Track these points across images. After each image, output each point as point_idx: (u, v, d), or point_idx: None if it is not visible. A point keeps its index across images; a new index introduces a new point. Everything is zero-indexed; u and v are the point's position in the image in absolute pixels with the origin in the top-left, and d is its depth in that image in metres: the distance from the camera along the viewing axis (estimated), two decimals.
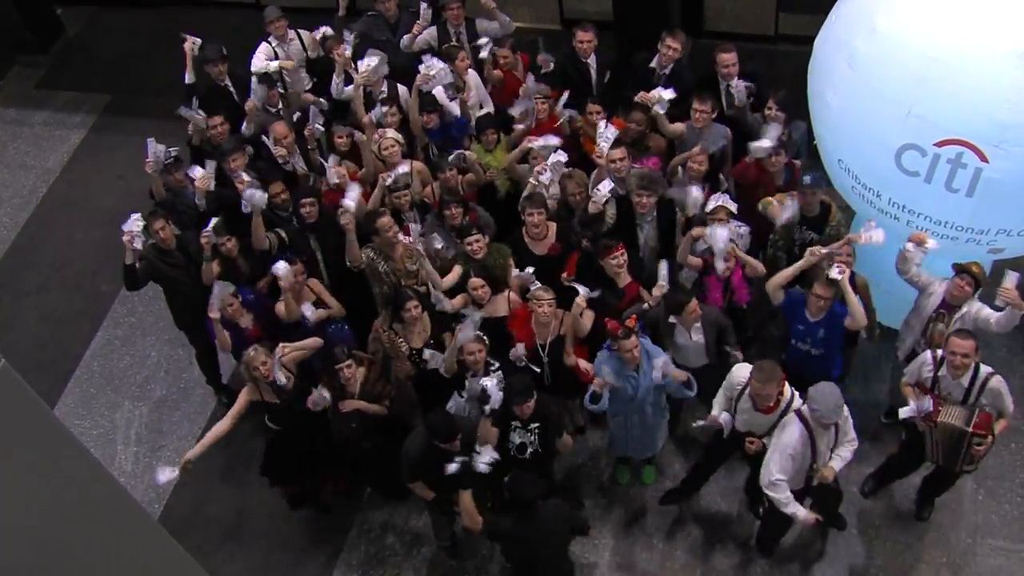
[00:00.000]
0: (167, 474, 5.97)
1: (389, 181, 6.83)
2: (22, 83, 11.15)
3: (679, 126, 7.05)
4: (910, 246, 5.92)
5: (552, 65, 7.64)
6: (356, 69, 7.44)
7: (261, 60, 7.91)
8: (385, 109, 7.25)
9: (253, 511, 7.22)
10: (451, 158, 7.01)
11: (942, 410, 5.67)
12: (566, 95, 7.27)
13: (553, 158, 6.75)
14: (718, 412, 5.90)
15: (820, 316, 6.01)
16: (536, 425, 5.88)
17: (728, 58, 7.07)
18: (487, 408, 5.79)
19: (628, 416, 6.25)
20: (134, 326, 8.57)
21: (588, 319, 6.29)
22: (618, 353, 5.87)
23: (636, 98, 7.01)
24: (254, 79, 7.76)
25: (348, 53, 7.59)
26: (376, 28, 8.10)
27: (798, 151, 7.11)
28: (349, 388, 6.14)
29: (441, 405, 6.13)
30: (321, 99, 7.69)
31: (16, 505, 3.54)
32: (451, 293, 6.51)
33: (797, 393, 5.66)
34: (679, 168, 6.95)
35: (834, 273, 5.80)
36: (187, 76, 7.85)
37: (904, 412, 5.78)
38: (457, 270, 6.64)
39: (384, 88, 7.60)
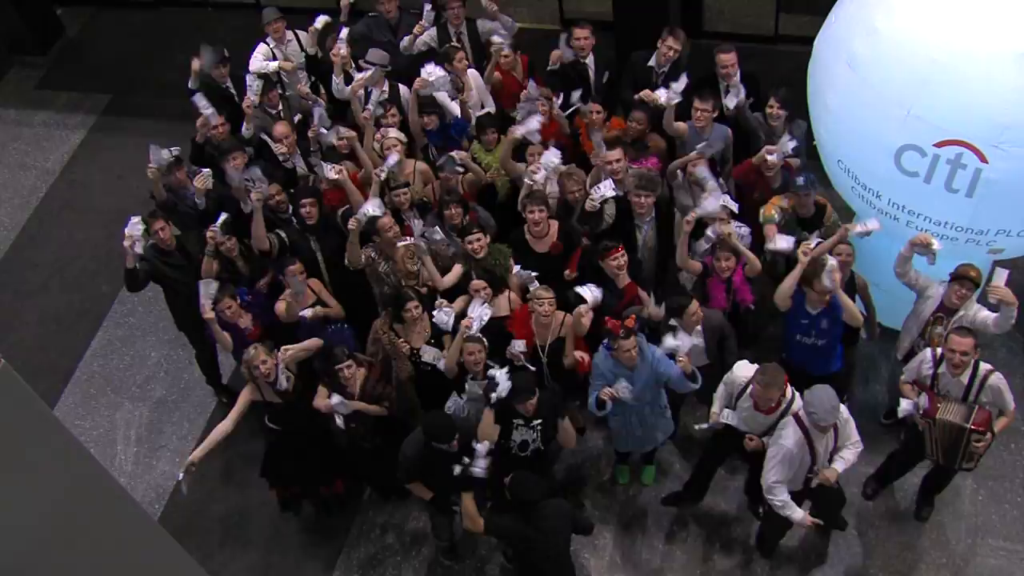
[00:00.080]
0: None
1: (383, 175, 6.83)
2: (22, 83, 11.15)
3: (681, 125, 7.05)
4: (912, 248, 5.91)
5: (559, 63, 7.60)
6: (356, 68, 7.42)
7: (259, 60, 7.92)
8: (383, 101, 7.23)
9: (254, 511, 7.22)
10: (440, 161, 6.99)
11: (941, 407, 5.67)
12: (560, 98, 7.22)
13: (547, 157, 6.73)
14: (719, 409, 5.91)
15: (820, 307, 6.03)
16: (539, 422, 5.89)
17: (727, 58, 7.06)
18: (493, 396, 5.76)
19: (627, 416, 6.25)
20: (134, 327, 8.58)
21: (587, 319, 6.27)
22: (615, 353, 5.87)
23: (638, 96, 6.99)
24: (249, 76, 7.75)
25: (344, 51, 7.58)
26: (377, 29, 8.10)
27: (797, 151, 7.10)
28: (349, 389, 6.14)
29: (440, 406, 6.13)
30: (317, 98, 7.68)
31: (16, 505, 3.55)
32: (451, 293, 6.51)
33: (798, 394, 5.65)
34: (678, 172, 6.94)
35: (827, 283, 5.80)
36: (191, 82, 7.86)
37: (902, 409, 5.80)
38: (458, 269, 6.63)
39: (385, 88, 7.59)
